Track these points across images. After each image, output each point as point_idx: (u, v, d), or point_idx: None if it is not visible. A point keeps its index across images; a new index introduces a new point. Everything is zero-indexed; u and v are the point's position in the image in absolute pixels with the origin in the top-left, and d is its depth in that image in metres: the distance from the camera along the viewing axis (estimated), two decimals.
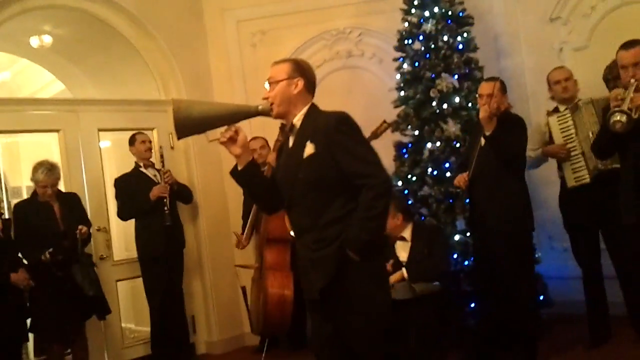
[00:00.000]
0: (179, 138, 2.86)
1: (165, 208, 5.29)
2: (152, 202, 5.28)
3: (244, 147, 2.84)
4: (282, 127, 2.90)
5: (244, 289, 5.54)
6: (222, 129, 2.84)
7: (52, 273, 4.60)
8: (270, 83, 2.88)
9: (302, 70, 2.89)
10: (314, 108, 2.89)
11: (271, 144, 5.33)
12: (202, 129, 2.88)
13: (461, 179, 4.36)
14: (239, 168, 2.88)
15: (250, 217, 5.39)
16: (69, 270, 4.64)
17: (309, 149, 2.77)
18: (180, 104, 2.82)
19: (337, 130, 2.75)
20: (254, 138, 5.62)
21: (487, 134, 4.09)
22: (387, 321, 2.83)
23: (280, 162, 3.03)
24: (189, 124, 2.78)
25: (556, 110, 4.68)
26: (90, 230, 5.02)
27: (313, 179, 2.77)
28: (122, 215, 5.42)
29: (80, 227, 4.73)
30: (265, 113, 2.87)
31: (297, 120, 2.87)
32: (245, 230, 5.45)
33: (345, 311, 2.77)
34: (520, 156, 4.25)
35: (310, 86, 2.91)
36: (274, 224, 5.12)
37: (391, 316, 2.88)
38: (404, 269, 4.27)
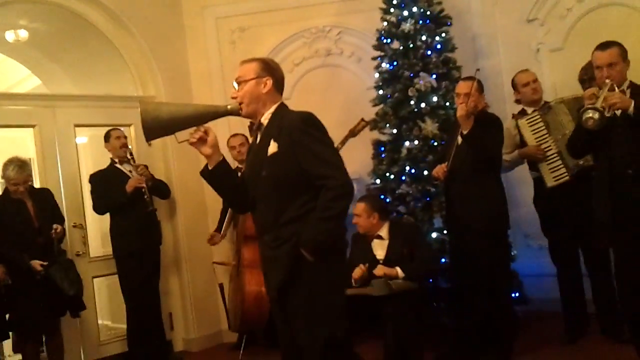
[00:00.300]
0: (147, 140, 2.87)
1: (145, 196, 5.24)
2: (129, 194, 5.21)
3: (214, 147, 2.84)
4: (251, 126, 2.89)
5: (221, 286, 5.55)
6: (192, 129, 2.84)
7: (29, 272, 4.55)
8: (238, 82, 2.89)
9: (271, 70, 2.90)
10: (282, 107, 2.91)
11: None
12: (171, 130, 2.85)
13: (440, 169, 4.36)
14: (210, 168, 2.88)
15: (228, 213, 5.39)
16: (47, 272, 4.57)
17: (273, 147, 2.80)
18: (147, 106, 2.81)
19: (300, 129, 2.76)
20: (234, 135, 5.62)
21: (465, 132, 4.13)
22: (337, 325, 2.78)
23: (247, 160, 3.06)
24: (157, 126, 2.78)
25: (523, 112, 4.73)
26: (65, 226, 4.98)
27: (275, 177, 2.80)
28: (98, 208, 5.34)
29: (55, 226, 4.68)
30: (235, 112, 2.89)
31: (265, 119, 2.89)
32: (223, 227, 5.45)
33: (297, 312, 2.79)
34: (496, 155, 4.30)
35: (279, 85, 2.93)
36: (251, 222, 5.12)
37: (343, 320, 2.82)
38: (398, 268, 4.30)
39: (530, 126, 4.62)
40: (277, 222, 2.80)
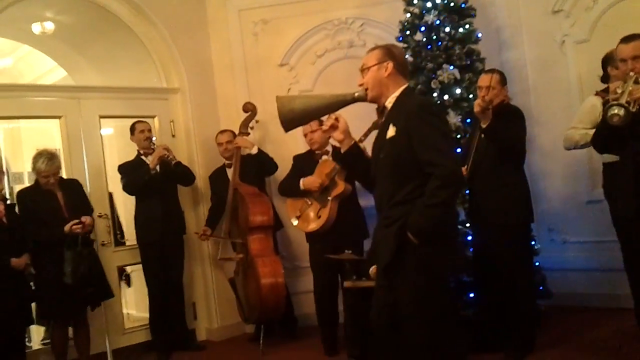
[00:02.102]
0: (286, 131, 3.11)
1: (169, 157, 5.34)
2: (155, 167, 5.30)
3: (345, 133, 3.09)
4: (378, 109, 3.14)
5: (231, 280, 5.58)
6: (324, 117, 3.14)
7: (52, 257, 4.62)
8: (362, 70, 3.06)
9: (392, 54, 3.02)
10: (407, 91, 3.03)
11: None
12: (306, 120, 3.23)
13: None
14: (342, 151, 3.15)
15: (227, 211, 5.44)
16: (61, 254, 4.63)
17: (391, 131, 2.93)
18: (282, 100, 3.07)
19: (416, 115, 2.87)
20: (222, 131, 5.75)
21: (484, 126, 4.12)
22: (431, 309, 2.87)
23: (373, 143, 3.19)
24: (293, 118, 3.05)
25: (608, 91, 4.24)
26: (93, 216, 5.05)
27: (391, 160, 2.94)
28: (128, 186, 5.41)
29: (83, 219, 4.70)
30: (361, 99, 3.06)
31: (389, 102, 3.01)
32: (224, 223, 5.51)
33: (400, 290, 2.91)
34: (517, 147, 4.26)
35: (401, 68, 3.04)
36: (254, 213, 5.19)
37: (440, 305, 2.91)
38: None
39: None
40: (390, 203, 2.93)
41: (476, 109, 4.10)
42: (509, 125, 4.14)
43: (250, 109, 5.62)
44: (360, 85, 3.05)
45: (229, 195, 5.44)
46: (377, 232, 3.09)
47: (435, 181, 2.77)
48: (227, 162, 5.66)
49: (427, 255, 2.83)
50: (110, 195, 5.79)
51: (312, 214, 4.97)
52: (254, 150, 5.52)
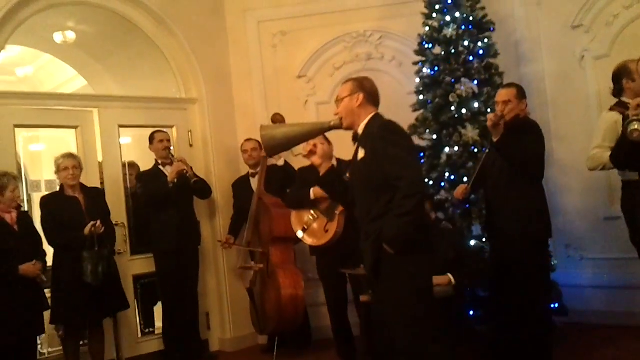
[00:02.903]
0: (269, 156, 3.70)
1: (188, 174, 5.34)
2: (174, 181, 5.32)
3: (323, 158, 3.52)
4: (353, 136, 3.46)
5: (250, 290, 5.57)
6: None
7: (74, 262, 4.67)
8: (337, 101, 3.38)
9: (362, 86, 3.33)
10: (375, 117, 3.30)
11: None
12: (287, 147, 3.60)
13: (460, 189, 4.44)
14: (320, 174, 3.53)
15: (249, 221, 5.44)
16: (80, 255, 4.67)
17: (361, 153, 3.24)
18: (266, 129, 3.45)
19: (378, 136, 3.16)
20: (247, 140, 5.74)
21: (494, 140, 4.10)
22: (411, 315, 3.08)
23: (351, 166, 3.47)
24: (275, 145, 3.42)
25: (623, 105, 4.12)
26: (112, 224, 5.12)
27: (364, 180, 3.24)
28: (146, 200, 5.47)
29: (93, 222, 4.73)
30: (337, 127, 3.36)
31: (360, 129, 3.30)
32: (246, 232, 5.51)
33: (385, 297, 3.19)
34: (531, 161, 4.17)
35: (371, 98, 3.33)
36: (278, 224, 5.18)
37: (420, 310, 3.09)
38: (449, 275, 4.32)
39: None
40: (367, 219, 3.20)
41: (488, 123, 4.08)
42: (522, 139, 4.10)
43: (279, 120, 5.62)
44: (336, 114, 3.35)
45: (252, 205, 5.44)
46: (361, 247, 3.32)
47: (400, 192, 3.02)
48: (251, 171, 5.65)
49: (403, 263, 3.06)
50: (127, 204, 5.81)
51: (318, 228, 4.88)
52: (280, 162, 5.52)
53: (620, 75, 4.27)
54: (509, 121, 4.13)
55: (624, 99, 4.21)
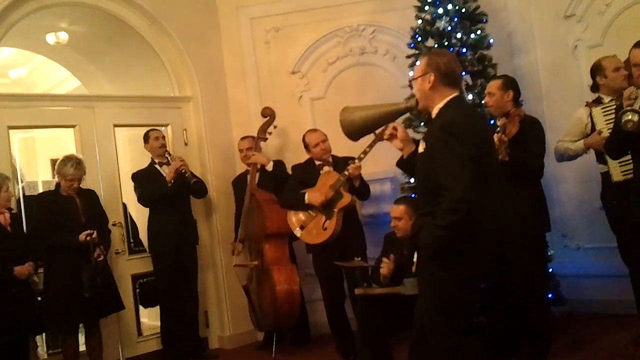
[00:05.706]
0: (354, 141, 3.42)
1: (187, 174, 5.33)
2: (172, 180, 5.31)
3: (404, 141, 3.28)
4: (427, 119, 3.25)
5: (246, 287, 5.57)
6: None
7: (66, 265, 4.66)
8: (412, 80, 3.26)
9: (434, 65, 2.98)
10: (449, 105, 2.97)
11: None
12: (367, 131, 3.40)
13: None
14: (404, 157, 3.30)
15: (243, 215, 5.45)
16: (79, 267, 4.66)
17: (421, 147, 3.06)
18: (344, 114, 3.35)
19: (436, 136, 2.89)
20: (243, 138, 5.74)
21: (505, 159, 3.97)
22: (441, 320, 2.91)
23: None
24: (354, 130, 3.32)
25: (598, 101, 4.38)
26: (109, 227, 5.14)
27: (420, 174, 3.08)
28: (144, 199, 5.44)
29: (89, 231, 4.70)
30: (412, 108, 3.24)
31: (434, 113, 3.03)
32: (240, 229, 5.51)
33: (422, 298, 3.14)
34: (535, 167, 4.18)
35: (445, 79, 2.97)
36: (271, 220, 5.16)
37: (450, 317, 2.91)
38: None
39: (605, 116, 4.25)
40: (419, 211, 3.09)
41: (496, 142, 3.94)
42: (524, 145, 4.06)
43: (268, 114, 5.61)
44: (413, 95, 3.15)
45: (245, 201, 5.44)
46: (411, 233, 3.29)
47: (443, 203, 2.78)
48: (249, 168, 5.64)
49: (435, 268, 2.88)
50: (124, 204, 5.80)
51: (316, 226, 4.86)
52: (269, 167, 5.48)
53: (594, 72, 4.40)
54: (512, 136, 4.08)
55: (600, 94, 4.37)
